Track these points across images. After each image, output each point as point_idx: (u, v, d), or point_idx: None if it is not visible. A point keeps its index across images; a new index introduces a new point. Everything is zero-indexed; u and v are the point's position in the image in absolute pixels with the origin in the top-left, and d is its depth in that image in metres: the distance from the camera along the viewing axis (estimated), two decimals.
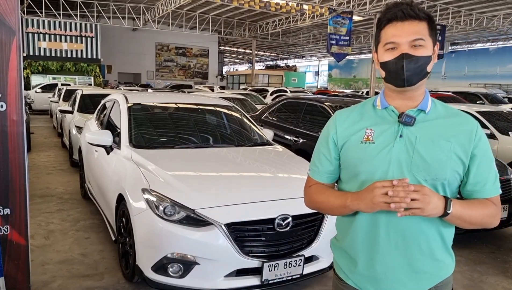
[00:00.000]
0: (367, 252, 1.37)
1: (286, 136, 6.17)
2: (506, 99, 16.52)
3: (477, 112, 6.66)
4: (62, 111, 8.78)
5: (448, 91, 15.39)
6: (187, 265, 2.74)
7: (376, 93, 2.51)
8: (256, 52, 34.13)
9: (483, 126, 6.27)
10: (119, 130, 4.02)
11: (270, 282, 2.81)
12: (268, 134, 4.63)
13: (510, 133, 6.34)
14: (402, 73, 1.28)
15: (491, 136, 6.30)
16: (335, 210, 1.40)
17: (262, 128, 4.90)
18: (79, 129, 6.62)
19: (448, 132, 1.32)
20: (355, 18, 19.79)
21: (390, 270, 1.35)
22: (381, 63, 1.34)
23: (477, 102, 13.86)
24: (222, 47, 39.69)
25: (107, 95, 5.77)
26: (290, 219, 2.86)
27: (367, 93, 21.71)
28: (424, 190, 1.20)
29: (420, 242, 1.33)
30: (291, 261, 2.85)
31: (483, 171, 1.32)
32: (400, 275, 1.35)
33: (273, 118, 6.98)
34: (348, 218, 1.42)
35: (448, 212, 1.23)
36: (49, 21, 23.19)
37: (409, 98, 1.35)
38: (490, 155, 1.35)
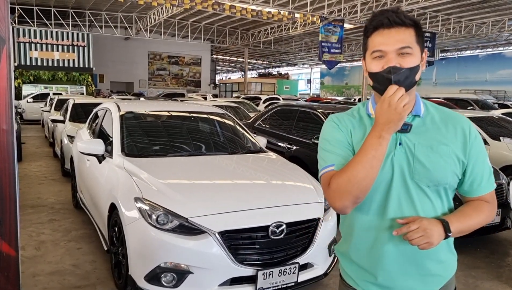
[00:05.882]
0: (375, 260, 1.37)
1: (279, 143, 6.17)
2: (496, 105, 16.72)
3: (468, 118, 6.71)
4: (53, 121, 8.73)
5: (439, 98, 15.56)
6: (181, 274, 2.71)
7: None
8: (248, 60, 34.29)
9: None
10: (111, 139, 4.00)
11: None
12: (261, 141, 4.62)
13: (501, 138, 6.40)
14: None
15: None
16: (371, 158, 1.22)
17: (255, 135, 4.90)
18: (71, 138, 6.57)
19: (445, 135, 1.34)
20: (346, 26, 19.96)
21: (399, 277, 1.36)
22: (369, 73, 1.33)
23: (468, 108, 14.02)
24: (214, 56, 39.75)
25: (99, 104, 5.74)
26: (284, 226, 2.85)
27: (359, 100, 21.87)
28: (423, 225, 1.23)
29: None
30: (286, 269, 2.83)
31: (478, 170, 1.35)
32: (409, 281, 1.36)
33: (266, 126, 6.98)
34: (353, 227, 1.41)
35: (449, 234, 1.27)
36: (40, 31, 23.11)
37: None
38: (484, 152, 1.37)
